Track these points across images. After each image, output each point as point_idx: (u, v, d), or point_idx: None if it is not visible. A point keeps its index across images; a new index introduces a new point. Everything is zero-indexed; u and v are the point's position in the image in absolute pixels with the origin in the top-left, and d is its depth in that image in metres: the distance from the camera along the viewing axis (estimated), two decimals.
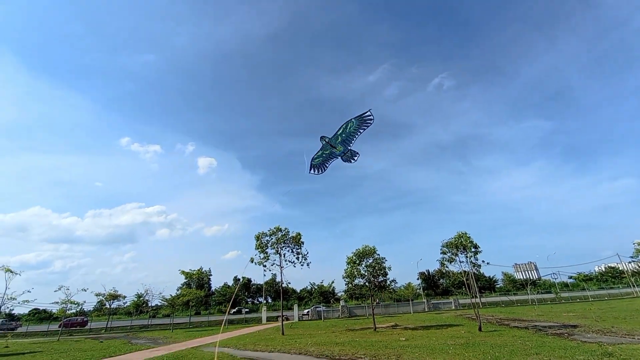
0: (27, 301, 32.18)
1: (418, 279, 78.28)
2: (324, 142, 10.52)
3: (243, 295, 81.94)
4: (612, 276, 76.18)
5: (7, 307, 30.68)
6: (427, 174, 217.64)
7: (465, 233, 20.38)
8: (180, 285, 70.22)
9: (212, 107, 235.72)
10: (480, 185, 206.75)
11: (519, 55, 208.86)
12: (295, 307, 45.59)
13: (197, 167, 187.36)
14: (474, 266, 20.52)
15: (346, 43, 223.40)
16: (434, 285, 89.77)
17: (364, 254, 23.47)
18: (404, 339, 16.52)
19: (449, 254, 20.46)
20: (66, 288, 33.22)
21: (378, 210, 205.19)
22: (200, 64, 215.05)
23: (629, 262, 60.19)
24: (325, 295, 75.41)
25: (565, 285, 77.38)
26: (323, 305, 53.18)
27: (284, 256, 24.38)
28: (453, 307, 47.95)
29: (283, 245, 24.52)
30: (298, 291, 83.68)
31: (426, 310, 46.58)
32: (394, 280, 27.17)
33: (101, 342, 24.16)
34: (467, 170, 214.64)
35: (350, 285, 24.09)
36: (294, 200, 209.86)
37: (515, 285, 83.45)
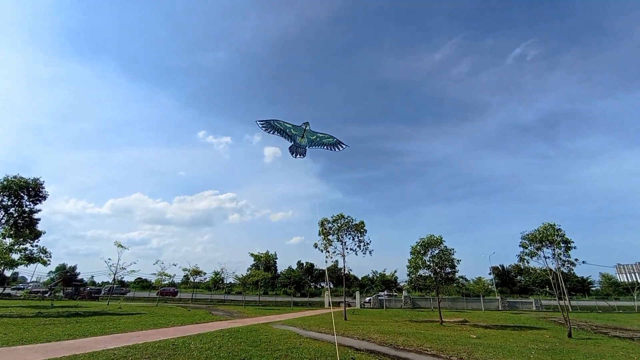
0: (134, 271, 38.89)
1: (490, 273, 71.78)
2: (304, 126, 10.63)
3: (306, 279, 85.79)
4: None
5: (119, 275, 37.52)
6: (504, 159, 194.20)
7: (554, 225, 17.80)
8: (250, 267, 76.82)
9: (276, 97, 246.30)
10: (574, 172, 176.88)
11: (629, 9, 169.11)
12: (357, 294, 46.04)
13: (263, 156, 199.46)
14: (564, 263, 17.89)
15: (411, 16, 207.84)
16: (510, 282, 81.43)
17: (429, 244, 22.29)
18: (474, 336, 15.38)
19: (530, 248, 18.17)
20: (161, 262, 39.29)
21: (445, 198, 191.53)
22: (264, 55, 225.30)
23: None
24: (387, 284, 74.53)
25: None
26: (386, 293, 52.67)
27: (346, 244, 24.64)
28: (534, 308, 42.96)
29: (346, 232, 24.77)
30: (360, 278, 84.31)
31: (500, 308, 42.64)
32: (462, 277, 25.37)
33: (189, 310, 27.89)
34: (556, 154, 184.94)
35: (413, 276, 23.23)
36: (356, 188, 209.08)
37: (616, 289, 70.81)
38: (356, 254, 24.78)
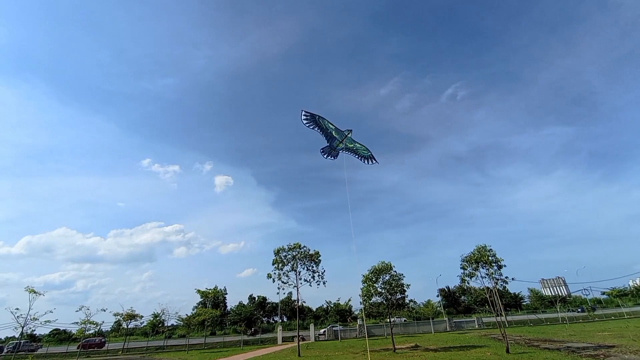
0: (49, 321, 32.78)
1: (438, 295, 75.28)
2: (346, 132, 10.87)
3: (258, 314, 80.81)
4: None
5: (29, 328, 31.33)
6: (443, 186, 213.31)
7: (486, 246, 19.64)
8: (196, 305, 70.16)
9: (228, 125, 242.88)
10: (500, 197, 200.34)
11: (536, 60, 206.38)
12: (312, 326, 44.49)
13: (214, 186, 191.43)
14: (497, 282, 19.61)
15: (358, 57, 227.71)
16: (455, 302, 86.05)
17: (380, 271, 22.88)
18: None
19: (469, 269, 19.67)
20: (86, 308, 33.85)
21: (394, 224, 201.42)
22: (217, 84, 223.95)
23: None
24: (341, 313, 73.42)
25: (598, 302, 72.58)
26: (340, 325, 51.65)
27: (300, 274, 24.09)
28: (476, 326, 45.61)
29: (300, 262, 24.29)
30: (314, 310, 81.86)
31: (448, 329, 44.47)
32: (412, 300, 26.23)
33: None
34: (486, 181, 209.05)
35: (366, 304, 23.40)
36: (310, 216, 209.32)
37: (543, 302, 78.94)
38: (310, 285, 24.33)
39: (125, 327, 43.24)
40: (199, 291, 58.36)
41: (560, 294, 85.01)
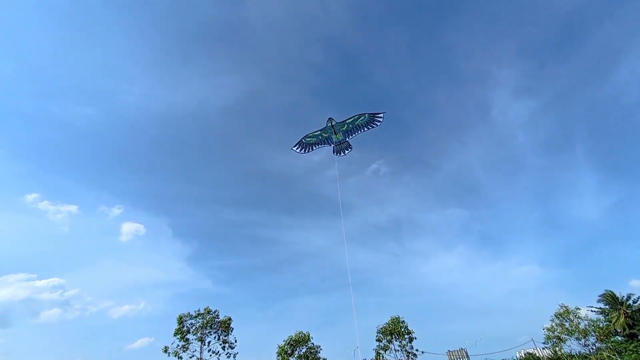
0: None
1: None
2: (329, 123, 10.42)
3: None
4: None
5: None
6: (365, 254, 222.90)
7: (398, 318, 20.57)
8: None
9: (150, 168, 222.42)
10: (412, 268, 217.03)
11: (440, 151, 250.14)
12: None
13: (119, 234, 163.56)
14: (408, 355, 20.19)
15: (295, 122, 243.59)
16: None
17: (297, 342, 21.58)
18: None
19: (384, 342, 20.02)
20: None
21: (317, 290, 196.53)
22: (145, 123, 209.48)
23: (543, 348, 64.68)
24: None
25: None
26: None
27: (208, 344, 21.14)
28: None
29: (209, 330, 21.48)
30: None
31: None
32: None
33: None
34: (402, 252, 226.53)
35: None
36: (228, 276, 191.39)
37: None
38: (218, 358, 21.35)
39: None
40: None
41: None
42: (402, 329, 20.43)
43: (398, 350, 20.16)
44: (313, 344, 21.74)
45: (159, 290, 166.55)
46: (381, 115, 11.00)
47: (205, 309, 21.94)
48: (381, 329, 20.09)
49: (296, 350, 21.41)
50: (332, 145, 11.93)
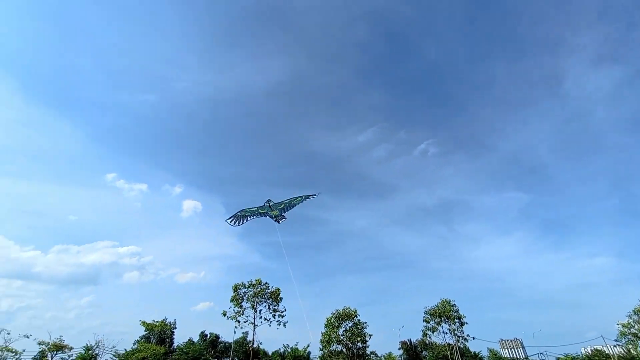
0: None
1: (399, 349, 72.85)
2: (267, 204, 11.71)
3: (208, 355, 73.62)
4: None
5: None
6: (411, 236, 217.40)
7: (449, 301, 19.87)
8: (139, 339, 62.95)
9: (204, 150, 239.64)
10: (463, 252, 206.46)
11: (497, 130, 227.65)
12: None
13: (181, 210, 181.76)
14: (458, 339, 19.56)
15: (340, 103, 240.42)
16: (417, 357, 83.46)
17: (343, 317, 22.16)
18: None
19: (432, 323, 19.60)
20: (7, 332, 29.42)
21: (360, 269, 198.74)
22: (198, 108, 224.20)
23: (614, 346, 58.29)
24: None
25: None
26: None
27: (260, 312, 22.80)
28: None
29: (260, 299, 23.08)
30: (270, 353, 75.91)
31: None
32: (373, 352, 25.34)
33: None
34: (451, 236, 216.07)
35: (326, 351, 22.23)
36: (275, 252, 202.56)
37: None
38: (270, 325, 22.99)
39: (50, 359, 37.62)
40: (143, 323, 52.67)
41: (517, 357, 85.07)
42: (453, 313, 19.69)
43: (447, 333, 19.55)
44: (359, 319, 22.12)
45: (215, 261, 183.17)
46: (316, 195, 13.21)
47: (256, 280, 23.41)
48: (429, 310, 19.59)
49: (343, 324, 21.99)
50: (268, 217, 13.07)
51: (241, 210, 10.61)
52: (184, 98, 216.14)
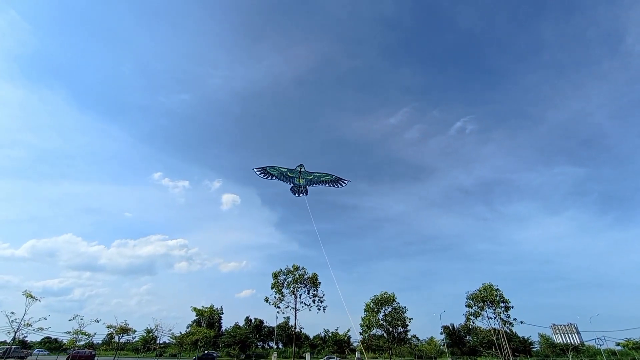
0: (42, 329, 32.45)
1: (442, 333, 71.58)
2: (298, 168, 11.13)
3: (253, 338, 78.03)
4: None
5: (22, 334, 30.86)
6: (450, 219, 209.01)
7: (492, 285, 19.02)
8: (191, 323, 68.28)
9: (238, 144, 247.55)
10: (508, 234, 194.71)
11: (544, 100, 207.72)
12: (307, 355, 42.60)
13: (221, 203, 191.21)
14: (504, 324, 18.76)
15: (369, 86, 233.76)
16: (460, 342, 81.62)
17: (382, 301, 22.16)
18: None
19: (475, 308, 18.93)
20: (80, 318, 33.40)
21: (398, 254, 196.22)
22: (230, 103, 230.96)
23: None
24: (339, 344, 70.31)
25: (612, 353, 67.90)
26: (337, 356, 49.24)
27: (300, 297, 23.52)
28: None
29: (299, 285, 23.80)
30: (311, 338, 78.64)
31: None
32: (415, 336, 25.14)
33: None
34: (493, 217, 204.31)
35: (366, 334, 22.49)
36: (312, 240, 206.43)
37: (554, 350, 74.19)
38: (310, 309, 23.68)
39: (117, 341, 42.18)
40: (194, 309, 56.99)
41: (572, 342, 79.85)
42: (497, 297, 18.85)
43: (492, 318, 18.79)
44: (399, 304, 21.98)
45: (255, 251, 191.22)
46: (347, 181, 10.88)
47: (293, 266, 24.07)
48: (471, 295, 18.90)
49: (382, 308, 22.00)
50: (292, 184, 11.87)
51: (270, 167, 10.43)
52: (217, 94, 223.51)
